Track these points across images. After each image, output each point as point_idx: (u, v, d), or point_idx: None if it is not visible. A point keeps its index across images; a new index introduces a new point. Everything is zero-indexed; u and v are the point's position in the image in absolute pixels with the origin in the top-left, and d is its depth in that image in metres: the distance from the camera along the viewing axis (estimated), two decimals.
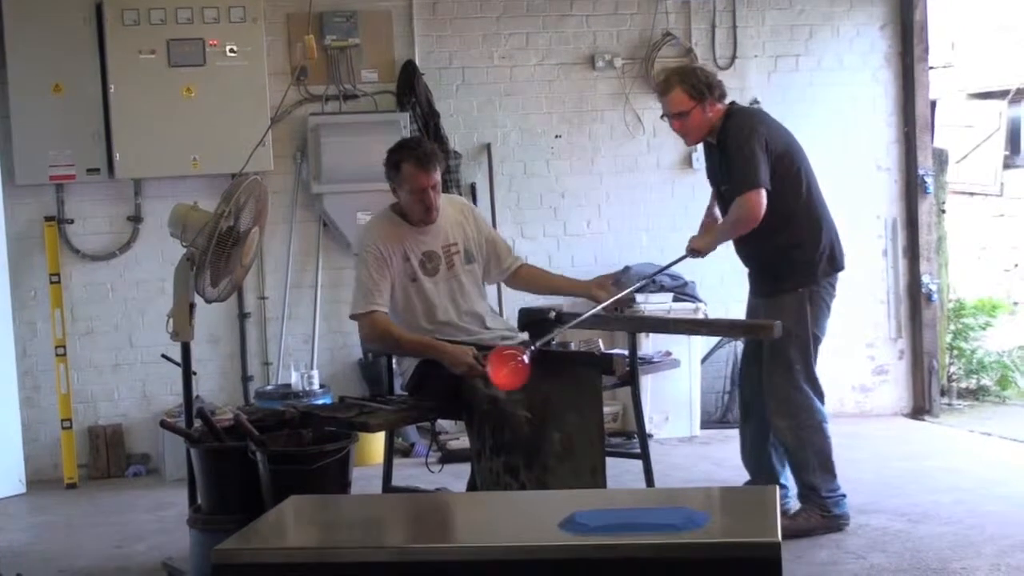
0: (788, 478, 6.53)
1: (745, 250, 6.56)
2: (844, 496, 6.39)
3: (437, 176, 5.98)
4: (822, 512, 6.32)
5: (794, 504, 6.46)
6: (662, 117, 6.54)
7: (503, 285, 8.09)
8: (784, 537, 6.09)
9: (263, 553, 3.59)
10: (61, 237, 8.32)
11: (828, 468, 6.36)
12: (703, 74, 6.40)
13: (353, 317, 6.10)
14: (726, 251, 9.19)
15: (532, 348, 5.65)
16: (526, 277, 6.51)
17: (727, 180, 6.35)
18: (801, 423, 6.35)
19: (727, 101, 6.46)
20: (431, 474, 6.38)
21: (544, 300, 7.21)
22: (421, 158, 5.92)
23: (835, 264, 6.46)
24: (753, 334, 7.58)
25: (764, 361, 6.44)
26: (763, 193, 6.15)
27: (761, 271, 6.53)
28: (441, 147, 8.52)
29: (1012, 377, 10.04)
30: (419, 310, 6.07)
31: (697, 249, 6.48)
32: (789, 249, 6.34)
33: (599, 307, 6.20)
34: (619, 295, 6.29)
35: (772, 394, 6.40)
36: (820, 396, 6.42)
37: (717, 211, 6.65)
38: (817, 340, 6.41)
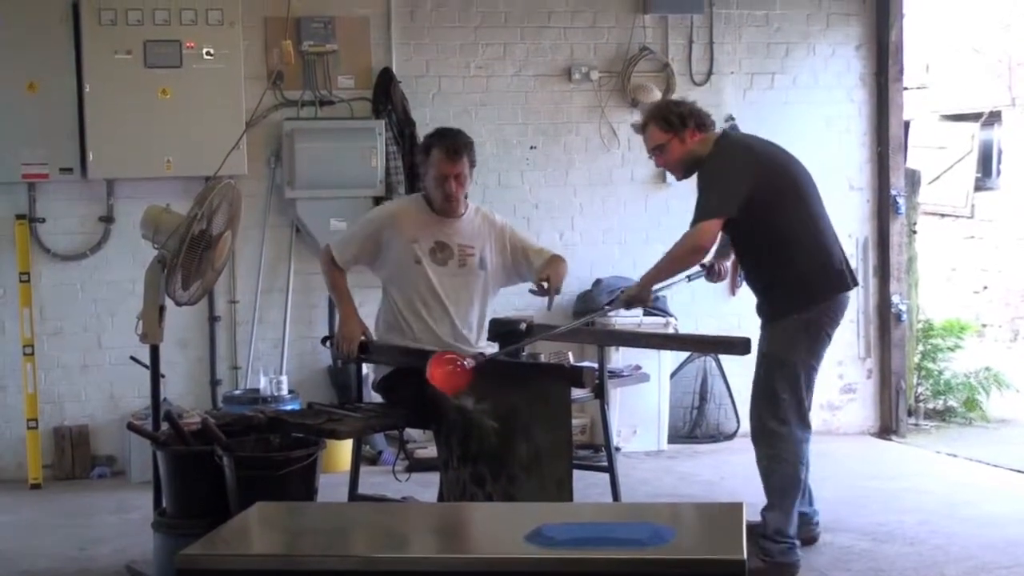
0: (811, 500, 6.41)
1: (746, 276, 6.43)
2: (793, 546, 6.02)
3: (462, 168, 6.13)
4: (763, 556, 5.96)
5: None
6: (649, 157, 6.43)
7: None
8: None
9: (227, 559, 3.58)
10: (32, 236, 8.27)
11: (785, 508, 6.02)
12: (676, 106, 6.31)
13: (330, 249, 6.36)
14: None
15: (482, 356, 5.68)
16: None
17: None
18: (774, 455, 6.09)
19: (719, 129, 6.38)
20: (398, 483, 6.37)
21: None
22: (449, 147, 6.10)
23: (834, 287, 6.14)
24: (724, 350, 7.62)
25: (753, 385, 6.25)
26: (715, 223, 5.97)
27: (760, 297, 6.28)
28: (415, 155, 8.56)
29: (978, 399, 10.08)
30: (421, 289, 6.16)
31: (630, 298, 6.20)
32: (783, 274, 6.10)
33: (570, 325, 6.29)
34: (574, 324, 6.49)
35: (754, 419, 6.22)
36: (807, 430, 6.15)
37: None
38: (812, 369, 6.15)
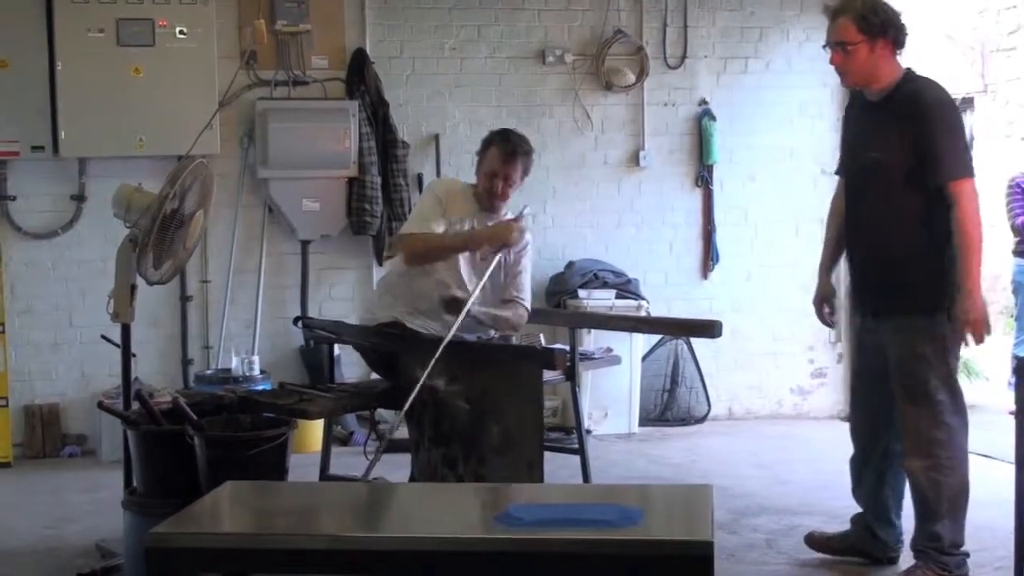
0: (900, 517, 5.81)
1: (865, 248, 5.67)
2: (967, 556, 5.54)
3: (511, 171, 6.19)
4: (940, 570, 5.46)
5: (904, 552, 5.75)
6: (824, 47, 5.57)
7: None
8: None
9: (197, 538, 3.59)
10: (3, 214, 8.24)
11: (957, 518, 5.50)
12: (884, 10, 5.48)
13: (401, 237, 6.33)
14: (667, 248, 9.28)
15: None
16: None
17: (876, 148, 5.49)
18: (937, 463, 5.46)
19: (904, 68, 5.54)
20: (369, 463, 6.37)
21: None
22: (507, 148, 6.19)
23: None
24: (695, 333, 7.61)
25: (896, 394, 5.56)
26: (972, 182, 5.31)
27: (886, 279, 5.54)
28: (389, 137, 8.57)
29: None
30: (440, 269, 6.14)
31: (966, 320, 5.33)
32: (935, 252, 5.34)
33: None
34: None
35: (909, 432, 5.54)
36: (966, 427, 5.55)
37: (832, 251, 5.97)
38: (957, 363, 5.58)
